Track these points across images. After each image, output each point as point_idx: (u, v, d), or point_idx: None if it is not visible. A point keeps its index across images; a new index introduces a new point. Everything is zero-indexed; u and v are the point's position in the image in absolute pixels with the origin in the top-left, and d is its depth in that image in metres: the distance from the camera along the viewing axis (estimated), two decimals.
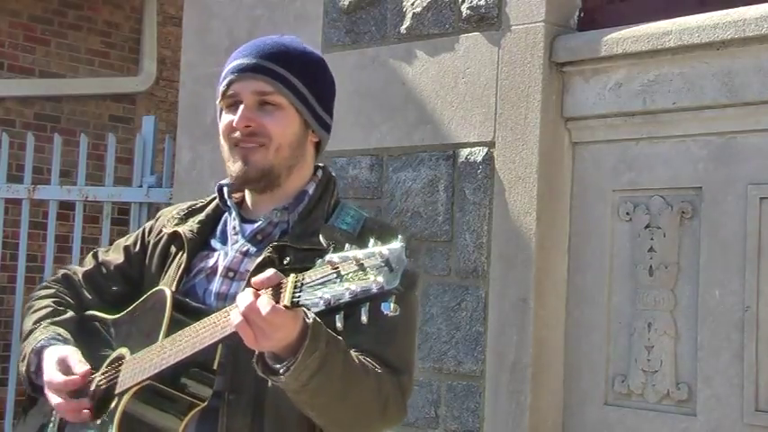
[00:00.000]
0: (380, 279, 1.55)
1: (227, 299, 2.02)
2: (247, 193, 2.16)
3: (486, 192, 3.88)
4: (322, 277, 1.60)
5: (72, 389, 2.01)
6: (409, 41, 4.18)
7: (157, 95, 8.11)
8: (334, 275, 1.58)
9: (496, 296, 3.81)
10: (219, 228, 2.16)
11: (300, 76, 2.07)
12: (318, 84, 2.12)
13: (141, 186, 5.45)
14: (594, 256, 3.72)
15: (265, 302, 1.67)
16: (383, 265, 1.55)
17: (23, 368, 2.15)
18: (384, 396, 1.91)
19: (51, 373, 2.04)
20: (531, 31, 3.81)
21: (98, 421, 2.00)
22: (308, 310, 1.63)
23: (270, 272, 1.72)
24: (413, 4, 4.17)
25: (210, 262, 2.10)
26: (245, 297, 1.71)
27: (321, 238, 1.96)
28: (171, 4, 8.07)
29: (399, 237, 1.62)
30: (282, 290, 1.67)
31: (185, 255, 2.10)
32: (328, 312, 1.59)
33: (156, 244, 2.21)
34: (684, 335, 3.49)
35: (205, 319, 1.85)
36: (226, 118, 2.08)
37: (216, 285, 2.06)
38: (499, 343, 3.78)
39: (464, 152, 3.96)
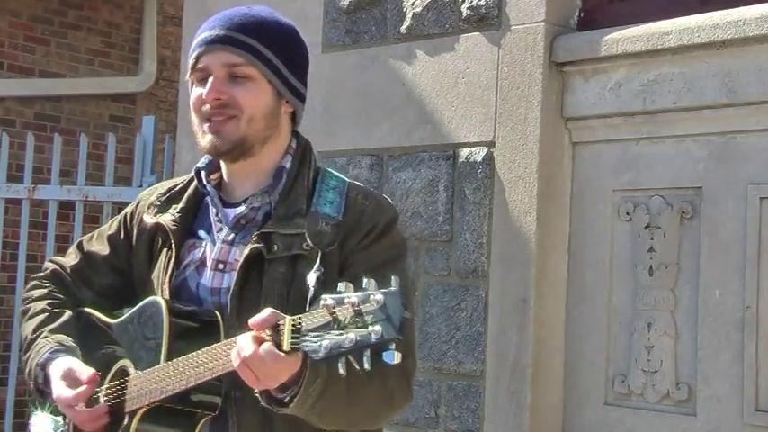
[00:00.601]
0: (378, 328, 1.55)
1: (220, 293, 2.01)
2: (224, 170, 2.11)
3: (486, 192, 3.88)
4: (320, 324, 1.60)
5: (84, 400, 2.00)
6: (409, 41, 4.18)
7: (157, 95, 8.11)
8: (332, 321, 1.59)
9: (496, 296, 3.81)
10: (202, 213, 2.12)
11: (271, 46, 2.02)
12: (290, 53, 2.07)
13: (141, 186, 5.43)
14: (594, 256, 3.72)
15: (267, 350, 1.68)
16: (381, 314, 1.55)
17: (30, 382, 2.12)
18: (389, 391, 1.92)
19: (60, 389, 2.01)
20: (531, 31, 3.82)
21: None
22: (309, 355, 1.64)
23: (267, 312, 1.71)
24: (413, 4, 4.17)
25: (198, 253, 2.07)
26: (246, 344, 1.71)
27: (306, 235, 1.94)
28: (171, 4, 8.07)
29: (394, 280, 1.60)
30: (281, 332, 1.67)
31: (173, 248, 2.07)
32: (329, 359, 1.60)
33: (140, 233, 2.17)
34: (684, 335, 3.48)
35: (210, 348, 1.84)
36: (196, 91, 2.03)
37: (208, 279, 2.04)
38: (499, 343, 3.78)
39: (464, 152, 3.96)
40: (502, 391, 3.76)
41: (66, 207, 5.99)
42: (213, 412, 1.93)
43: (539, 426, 3.71)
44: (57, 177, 5.61)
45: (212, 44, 2.01)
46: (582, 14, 3.89)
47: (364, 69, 4.32)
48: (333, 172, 2.11)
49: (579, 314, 3.75)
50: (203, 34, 2.03)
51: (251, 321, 1.72)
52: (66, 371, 2.02)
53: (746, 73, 3.39)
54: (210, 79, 2.00)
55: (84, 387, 1.99)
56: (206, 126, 2.01)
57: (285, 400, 1.74)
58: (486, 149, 3.91)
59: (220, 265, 2.03)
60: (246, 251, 1.97)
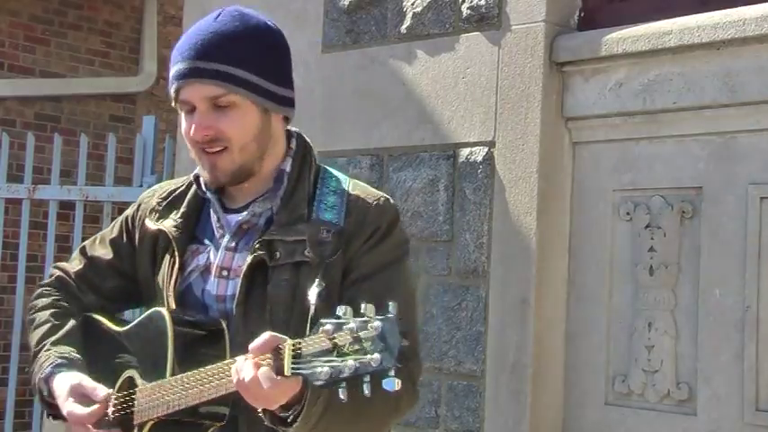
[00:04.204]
0: (377, 356, 1.55)
1: (225, 300, 2.01)
2: None
3: (487, 191, 3.88)
4: (320, 350, 1.61)
5: (96, 419, 1.98)
6: (409, 41, 4.18)
7: (158, 95, 8.10)
8: (331, 348, 1.59)
9: (497, 296, 3.81)
10: (204, 218, 2.11)
11: (246, 65, 1.97)
12: (266, 62, 2.01)
13: (141, 186, 5.43)
14: (594, 256, 3.72)
15: (265, 375, 1.68)
16: (379, 342, 1.56)
17: (36, 396, 2.11)
18: (395, 397, 1.88)
19: (70, 406, 1.99)
20: (531, 30, 3.82)
21: None
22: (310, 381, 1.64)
23: (266, 336, 1.71)
24: (413, 4, 4.17)
25: (202, 259, 2.06)
26: (246, 369, 1.71)
27: (308, 249, 1.93)
28: (171, 4, 8.06)
29: (392, 306, 1.59)
30: (281, 356, 1.67)
31: (176, 255, 2.06)
32: (330, 385, 1.60)
33: (141, 237, 2.15)
34: (685, 334, 3.49)
35: (215, 366, 1.83)
36: (186, 121, 2.01)
37: (213, 286, 2.03)
38: (499, 343, 3.78)
39: (464, 152, 3.96)
40: (502, 391, 3.76)
41: (66, 207, 5.99)
42: (221, 422, 1.92)
43: (539, 425, 3.71)
44: (57, 177, 5.61)
45: (188, 78, 1.97)
46: (582, 14, 3.89)
47: (364, 69, 4.32)
48: (332, 171, 2.09)
49: (579, 314, 3.75)
50: (176, 66, 1.99)
51: (251, 347, 1.72)
52: (75, 387, 2.01)
53: (746, 73, 3.39)
54: (195, 114, 1.98)
55: (96, 406, 1.98)
56: (203, 158, 2.00)
57: (288, 420, 1.74)
58: (486, 149, 3.91)
59: (224, 272, 2.02)
60: (249, 259, 1.97)
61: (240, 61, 1.97)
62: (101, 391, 2.00)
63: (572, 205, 3.80)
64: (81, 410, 1.98)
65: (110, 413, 2.02)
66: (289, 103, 2.06)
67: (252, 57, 1.99)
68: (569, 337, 3.76)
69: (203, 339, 1.93)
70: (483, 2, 3.96)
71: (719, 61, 3.45)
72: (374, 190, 2.09)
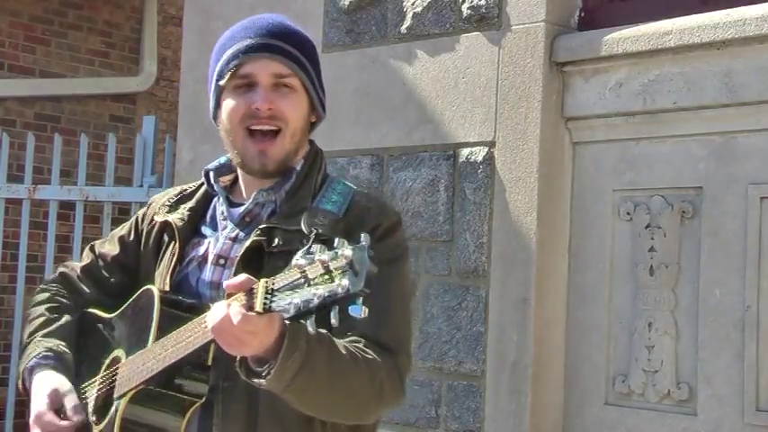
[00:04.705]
0: (345, 282, 1.55)
1: (219, 288, 2.01)
2: (241, 176, 2.13)
3: (487, 192, 3.88)
4: (291, 282, 1.61)
5: None
6: (409, 41, 4.18)
7: (158, 95, 8.11)
8: (302, 280, 1.59)
9: (497, 296, 3.81)
10: (209, 213, 2.14)
11: (307, 57, 2.06)
12: (316, 62, 2.12)
13: (141, 186, 5.45)
14: (595, 256, 3.72)
15: (236, 311, 1.67)
16: (347, 267, 1.55)
17: (20, 385, 2.13)
18: (378, 382, 1.90)
19: (40, 406, 2.01)
20: (531, 31, 3.82)
21: (101, 426, 2.00)
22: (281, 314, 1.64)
23: (241, 276, 1.72)
24: (413, 4, 4.17)
25: (201, 249, 2.08)
26: (218, 307, 1.72)
27: (303, 224, 1.95)
28: (171, 4, 8.07)
29: (363, 237, 1.60)
30: (255, 295, 1.67)
31: (177, 244, 2.09)
32: (300, 317, 1.60)
33: (149, 232, 2.19)
34: (685, 334, 3.49)
35: (190, 323, 1.85)
36: (238, 100, 2.03)
37: (208, 274, 2.05)
38: (500, 343, 3.78)
39: (464, 152, 3.97)
40: (502, 391, 3.76)
41: (66, 207, 5.99)
42: (200, 399, 1.93)
43: (539, 425, 3.71)
44: (57, 177, 5.61)
45: (258, 52, 2.01)
46: (582, 14, 3.89)
47: (364, 69, 4.32)
48: (343, 180, 2.13)
49: (580, 314, 3.75)
50: (243, 42, 2.03)
51: (226, 284, 1.73)
52: (55, 390, 2.02)
53: (746, 73, 3.39)
54: (259, 89, 2.00)
55: (67, 424, 1.99)
56: (250, 146, 2.02)
57: (263, 374, 1.74)
58: (486, 149, 3.91)
59: (221, 261, 2.05)
60: (248, 243, 1.99)
61: (304, 51, 2.06)
62: (78, 414, 2.00)
63: (572, 205, 3.81)
64: (54, 420, 1.99)
65: (94, 389, 2.03)
66: (323, 107, 2.15)
67: (308, 51, 2.09)
68: (569, 336, 3.77)
69: (189, 321, 1.92)
70: (483, 2, 3.96)
71: (719, 61, 3.45)
72: (379, 197, 2.13)
